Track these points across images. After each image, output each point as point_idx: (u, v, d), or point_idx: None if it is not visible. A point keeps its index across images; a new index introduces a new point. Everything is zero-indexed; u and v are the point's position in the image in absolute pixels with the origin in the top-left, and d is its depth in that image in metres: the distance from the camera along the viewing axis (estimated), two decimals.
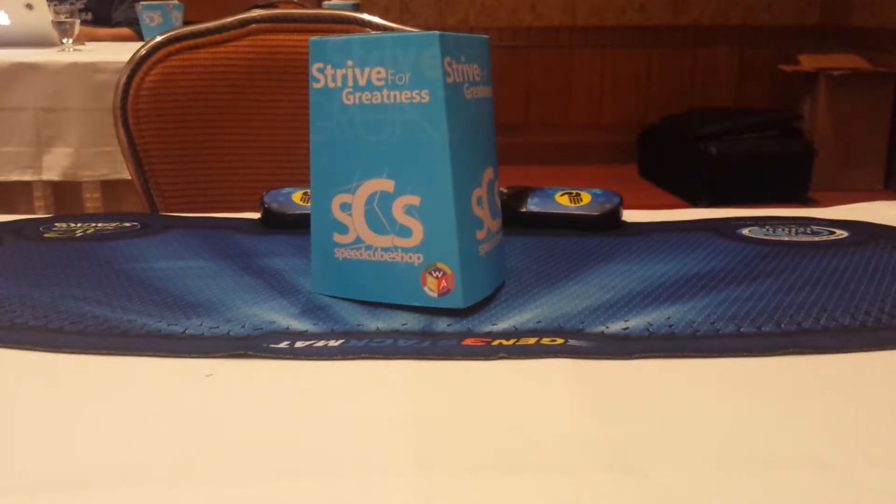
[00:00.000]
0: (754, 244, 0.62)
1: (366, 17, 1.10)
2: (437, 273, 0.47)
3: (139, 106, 1.03)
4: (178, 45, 1.05)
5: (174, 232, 0.67)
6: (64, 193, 1.72)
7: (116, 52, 1.75)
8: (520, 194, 0.70)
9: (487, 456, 0.33)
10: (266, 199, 0.70)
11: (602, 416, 0.36)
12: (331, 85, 0.48)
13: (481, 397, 0.38)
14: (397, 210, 0.48)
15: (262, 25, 1.08)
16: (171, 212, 1.04)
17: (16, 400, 0.38)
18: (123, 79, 1.03)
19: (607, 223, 0.68)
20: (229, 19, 1.08)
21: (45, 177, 1.68)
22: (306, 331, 0.45)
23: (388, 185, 0.48)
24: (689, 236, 0.64)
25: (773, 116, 3.70)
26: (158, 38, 1.05)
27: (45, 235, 0.66)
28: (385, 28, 1.10)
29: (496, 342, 0.43)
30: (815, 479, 0.31)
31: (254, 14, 1.08)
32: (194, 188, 1.11)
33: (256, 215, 0.71)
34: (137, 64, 1.03)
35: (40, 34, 2.03)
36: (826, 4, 4.15)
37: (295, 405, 0.37)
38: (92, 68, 1.66)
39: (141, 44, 1.07)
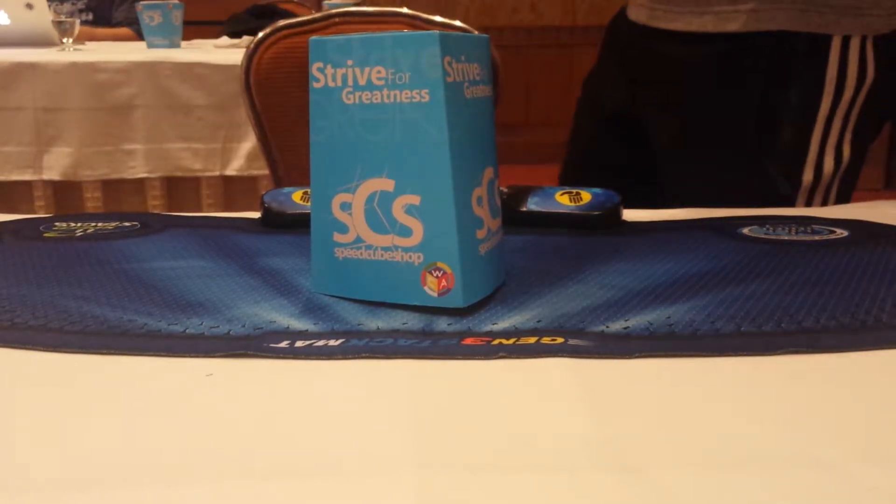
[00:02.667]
0: (754, 243, 0.62)
1: (426, 16, 1.30)
2: (437, 272, 0.47)
3: (259, 78, 1.29)
4: (284, 32, 1.29)
5: (174, 232, 0.67)
6: (64, 193, 1.71)
7: (116, 52, 1.75)
8: (520, 194, 0.70)
9: (487, 456, 0.33)
10: (266, 198, 0.70)
11: (602, 416, 0.36)
12: (331, 84, 0.48)
13: (481, 397, 0.38)
14: (397, 209, 0.48)
15: (343, 18, 1.31)
16: (287, 167, 1.33)
17: (16, 400, 0.38)
18: (246, 55, 1.29)
19: (607, 223, 0.68)
20: (316, 15, 1.31)
21: (45, 176, 1.68)
22: (306, 330, 0.45)
23: (388, 184, 0.48)
24: (689, 236, 0.64)
25: None
26: (269, 28, 1.30)
27: (45, 235, 0.66)
28: (445, 26, 1.27)
29: (496, 342, 0.43)
30: (815, 479, 0.31)
31: (335, 10, 1.31)
32: (301, 147, 1.22)
33: (256, 215, 0.71)
34: (258, 44, 1.29)
35: (40, 34, 2.03)
36: None
37: (295, 405, 0.37)
38: (92, 68, 1.65)
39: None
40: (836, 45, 0.85)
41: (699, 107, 0.92)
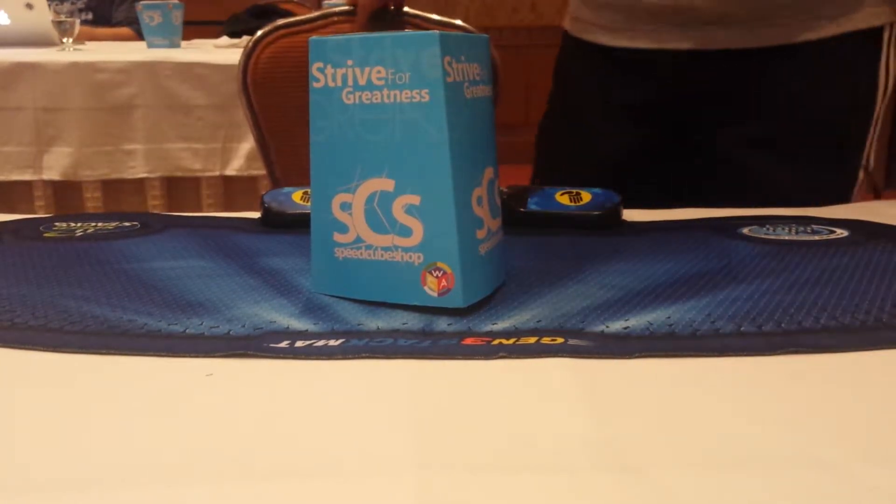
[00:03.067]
0: (754, 243, 0.62)
1: (425, 14, 1.29)
2: (437, 272, 0.47)
3: (256, 78, 1.30)
4: (282, 31, 1.30)
5: (174, 232, 0.67)
6: (64, 193, 1.71)
7: (116, 52, 1.75)
8: (520, 194, 0.70)
9: (487, 456, 0.33)
10: (266, 198, 0.70)
11: (602, 416, 0.36)
12: (331, 84, 0.48)
13: (481, 397, 0.38)
14: (397, 209, 0.48)
15: (342, 17, 1.31)
16: (284, 168, 1.31)
17: (16, 400, 0.38)
18: (244, 54, 1.29)
19: (607, 223, 0.68)
20: (314, 14, 1.31)
21: (45, 176, 1.68)
22: (306, 330, 0.45)
23: (388, 184, 0.48)
24: (689, 236, 0.64)
25: None
26: (267, 27, 1.31)
27: (45, 235, 0.66)
28: (444, 25, 1.28)
29: (496, 342, 0.43)
30: (816, 480, 0.31)
31: (333, 10, 1.31)
32: (300, 148, 1.22)
33: (256, 215, 0.71)
34: (256, 43, 1.29)
35: (40, 34, 2.03)
36: None
37: (295, 405, 0.37)
38: (92, 68, 1.65)
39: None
40: (886, 36, 0.89)
41: (786, 111, 0.91)
